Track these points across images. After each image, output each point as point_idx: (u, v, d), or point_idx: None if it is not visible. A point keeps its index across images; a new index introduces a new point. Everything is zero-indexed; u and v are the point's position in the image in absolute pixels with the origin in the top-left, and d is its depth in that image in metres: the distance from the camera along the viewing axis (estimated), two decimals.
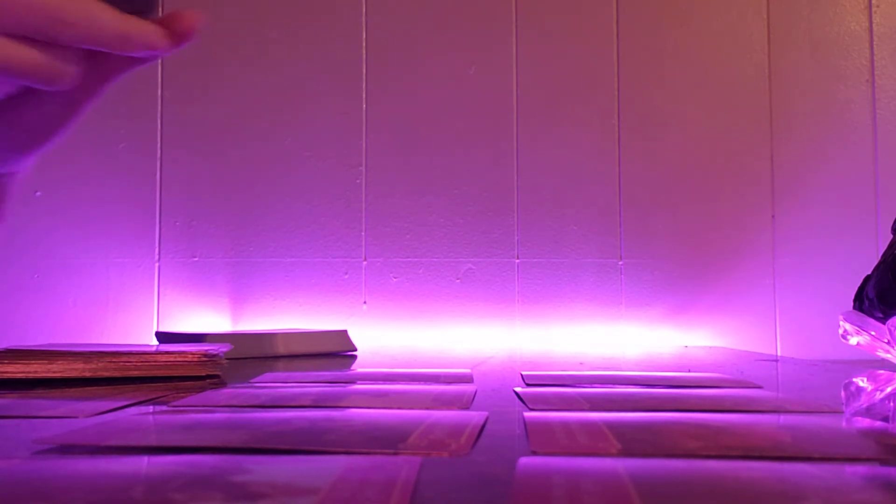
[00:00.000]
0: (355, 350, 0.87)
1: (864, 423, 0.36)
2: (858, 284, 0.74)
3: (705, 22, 1.26)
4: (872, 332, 0.70)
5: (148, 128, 1.21)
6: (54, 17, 0.29)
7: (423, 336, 1.21)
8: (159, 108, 1.22)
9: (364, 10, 1.24)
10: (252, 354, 0.77)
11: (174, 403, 0.39)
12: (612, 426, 0.30)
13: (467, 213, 1.23)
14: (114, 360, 0.50)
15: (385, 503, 0.19)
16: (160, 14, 0.33)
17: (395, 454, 0.25)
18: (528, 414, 0.35)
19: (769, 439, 0.28)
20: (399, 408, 0.36)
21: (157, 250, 1.21)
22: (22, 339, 1.13)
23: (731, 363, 0.74)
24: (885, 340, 0.68)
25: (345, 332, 0.88)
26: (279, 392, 0.42)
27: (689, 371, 0.63)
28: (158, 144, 1.21)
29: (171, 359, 0.52)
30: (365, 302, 1.21)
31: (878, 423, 0.36)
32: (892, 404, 0.44)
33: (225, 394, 0.42)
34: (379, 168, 1.23)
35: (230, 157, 1.22)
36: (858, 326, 0.72)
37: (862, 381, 0.54)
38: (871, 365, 0.71)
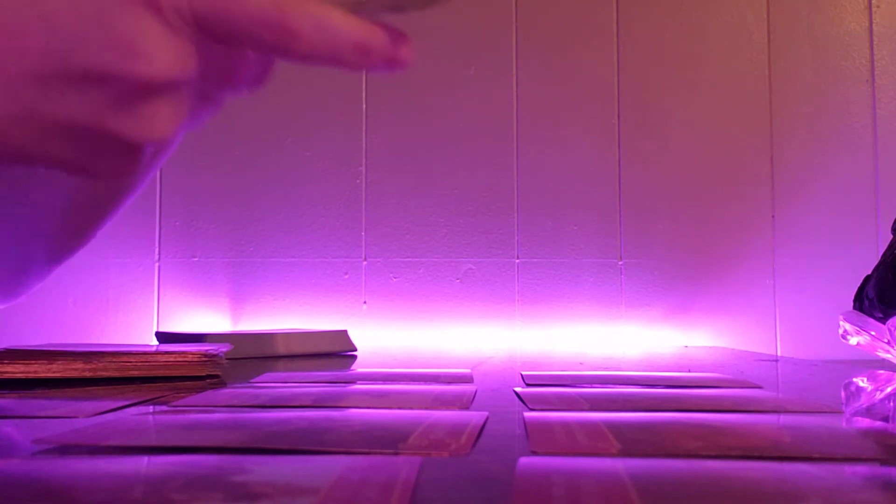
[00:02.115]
0: (355, 350, 0.87)
1: (864, 423, 0.36)
2: (858, 284, 0.74)
3: (705, 22, 1.26)
4: (872, 332, 0.70)
5: None
6: (285, 27, 0.25)
7: (423, 336, 1.20)
8: None
9: None
10: (252, 354, 0.77)
11: (174, 403, 0.39)
12: (612, 426, 0.30)
13: (467, 213, 1.23)
14: (114, 360, 0.50)
15: (385, 503, 0.19)
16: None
17: (395, 454, 0.25)
18: (528, 414, 0.35)
19: (769, 439, 0.28)
20: (399, 408, 0.36)
21: (157, 250, 1.21)
22: (22, 339, 1.13)
23: (731, 363, 0.74)
24: (885, 340, 0.68)
25: (345, 332, 0.88)
26: (279, 392, 0.42)
27: (689, 371, 0.63)
28: None
29: (171, 359, 0.52)
30: (365, 302, 1.21)
31: (878, 423, 0.36)
32: (892, 404, 0.44)
33: (225, 394, 0.42)
34: (379, 168, 1.23)
35: (230, 157, 1.22)
36: (858, 326, 0.72)
37: (862, 381, 0.54)
38: (871, 365, 0.71)
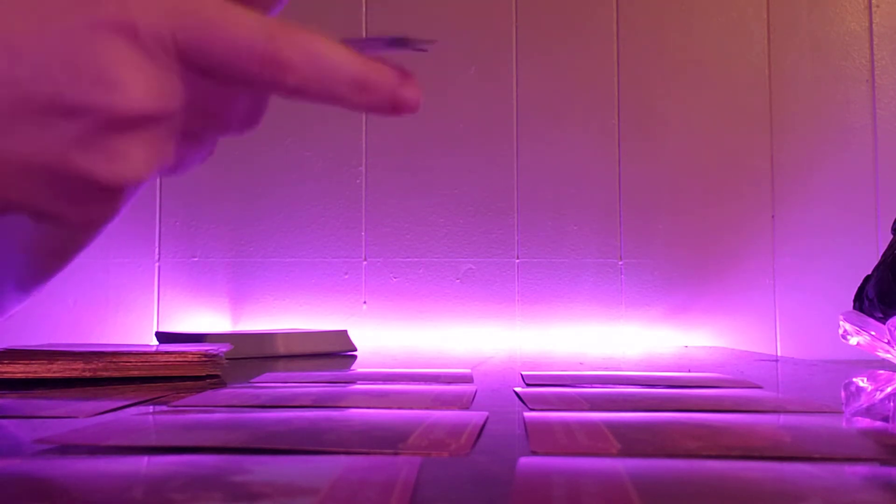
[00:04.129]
0: (355, 350, 0.87)
1: (864, 423, 0.36)
2: (858, 284, 0.74)
3: (705, 22, 1.26)
4: (872, 332, 0.70)
5: None
6: (275, 59, 0.23)
7: (423, 336, 1.20)
8: None
9: (364, 9, 1.24)
10: (252, 354, 0.77)
11: (174, 403, 0.39)
12: (612, 426, 0.30)
13: (467, 213, 1.23)
14: (114, 360, 0.50)
15: (385, 503, 0.19)
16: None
17: (395, 454, 0.25)
18: (528, 414, 0.35)
19: (769, 439, 0.28)
20: (399, 408, 0.36)
21: (157, 250, 1.21)
22: (22, 339, 1.13)
23: (731, 363, 0.74)
24: (885, 340, 0.68)
25: (345, 332, 0.88)
26: (279, 392, 0.42)
27: (689, 371, 0.63)
28: None
29: (171, 359, 0.52)
30: (365, 302, 1.21)
31: (878, 423, 0.36)
32: (892, 404, 0.44)
33: (225, 394, 0.42)
34: (379, 168, 1.23)
35: (230, 157, 1.22)
36: (858, 326, 0.72)
37: (862, 381, 0.54)
38: (871, 365, 0.71)
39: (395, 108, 0.25)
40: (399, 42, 0.26)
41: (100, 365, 0.50)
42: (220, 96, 0.25)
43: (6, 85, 0.21)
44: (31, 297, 0.46)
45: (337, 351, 0.86)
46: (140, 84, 0.22)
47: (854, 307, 0.74)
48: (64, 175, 0.23)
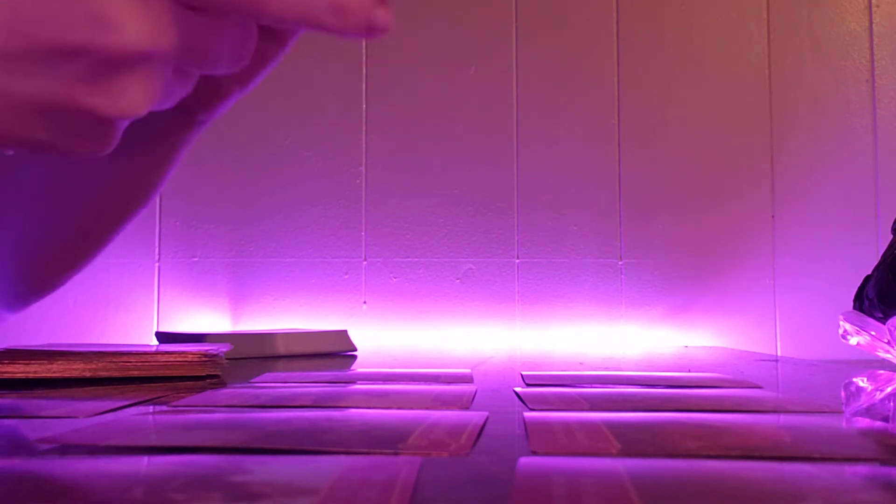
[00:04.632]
0: (355, 350, 0.87)
1: (864, 423, 0.36)
2: (858, 284, 0.74)
3: (705, 22, 1.27)
4: (872, 332, 0.70)
5: None
6: None
7: (423, 336, 1.21)
8: None
9: None
10: (252, 354, 0.77)
11: (174, 403, 0.39)
12: (612, 426, 0.30)
13: (467, 213, 1.23)
14: (114, 360, 0.50)
15: (385, 503, 0.19)
16: None
17: (395, 454, 0.25)
18: (528, 414, 0.35)
19: (769, 439, 0.28)
20: (399, 408, 0.36)
21: (157, 250, 1.21)
22: (22, 339, 1.13)
23: (731, 363, 0.74)
24: (885, 340, 0.68)
25: (345, 332, 0.88)
26: (279, 392, 0.42)
27: (689, 371, 0.63)
28: None
29: (171, 359, 0.52)
30: (365, 302, 1.21)
31: (878, 423, 0.36)
32: (892, 404, 0.44)
33: (225, 394, 0.42)
34: (379, 168, 1.23)
35: (230, 157, 1.22)
36: (858, 326, 0.72)
37: (862, 381, 0.54)
38: (871, 365, 0.71)
39: (369, 30, 0.26)
40: None
41: (100, 365, 0.50)
42: (207, 32, 0.26)
43: (13, 34, 0.23)
44: (26, 307, 0.46)
45: (337, 351, 0.86)
46: (135, 24, 0.23)
47: (854, 307, 0.74)
48: (69, 111, 0.25)
